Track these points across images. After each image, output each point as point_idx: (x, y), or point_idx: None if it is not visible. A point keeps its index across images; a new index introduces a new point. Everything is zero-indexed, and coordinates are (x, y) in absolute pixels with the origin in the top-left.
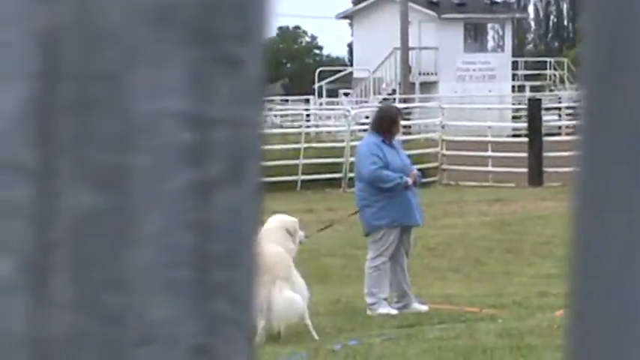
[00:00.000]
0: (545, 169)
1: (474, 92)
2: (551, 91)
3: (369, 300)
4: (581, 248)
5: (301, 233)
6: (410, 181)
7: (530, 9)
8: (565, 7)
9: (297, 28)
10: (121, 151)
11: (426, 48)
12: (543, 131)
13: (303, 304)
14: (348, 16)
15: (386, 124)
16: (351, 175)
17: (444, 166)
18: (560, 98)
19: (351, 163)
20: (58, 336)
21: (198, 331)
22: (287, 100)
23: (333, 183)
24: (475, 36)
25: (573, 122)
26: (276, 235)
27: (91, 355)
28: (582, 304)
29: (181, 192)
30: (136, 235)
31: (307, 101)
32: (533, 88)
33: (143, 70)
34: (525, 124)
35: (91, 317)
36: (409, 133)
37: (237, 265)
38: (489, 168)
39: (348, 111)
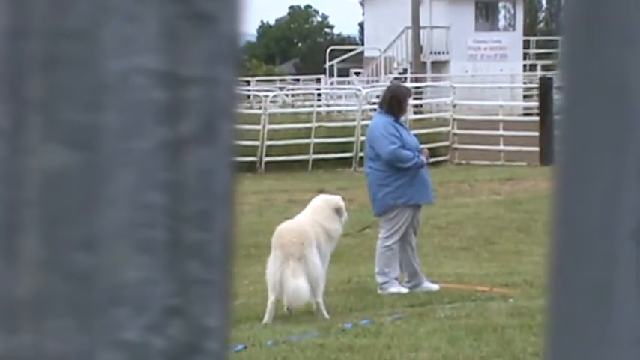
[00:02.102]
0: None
1: (485, 71)
2: None
3: (380, 279)
4: (563, 206)
5: (345, 214)
6: (425, 159)
7: None
8: None
9: (308, 7)
10: (91, 108)
11: (437, 27)
12: (554, 110)
13: (308, 294)
14: None
15: (396, 103)
16: (362, 154)
17: (456, 145)
18: None
19: (362, 143)
20: (27, 295)
21: (171, 292)
22: (298, 80)
23: (345, 162)
24: (486, 15)
25: None
26: (323, 214)
27: (62, 315)
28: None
29: (153, 151)
30: (106, 195)
31: (318, 80)
32: (544, 67)
33: (115, 26)
34: (537, 103)
35: (61, 277)
36: (421, 112)
37: (211, 226)
38: (501, 147)
39: (360, 90)
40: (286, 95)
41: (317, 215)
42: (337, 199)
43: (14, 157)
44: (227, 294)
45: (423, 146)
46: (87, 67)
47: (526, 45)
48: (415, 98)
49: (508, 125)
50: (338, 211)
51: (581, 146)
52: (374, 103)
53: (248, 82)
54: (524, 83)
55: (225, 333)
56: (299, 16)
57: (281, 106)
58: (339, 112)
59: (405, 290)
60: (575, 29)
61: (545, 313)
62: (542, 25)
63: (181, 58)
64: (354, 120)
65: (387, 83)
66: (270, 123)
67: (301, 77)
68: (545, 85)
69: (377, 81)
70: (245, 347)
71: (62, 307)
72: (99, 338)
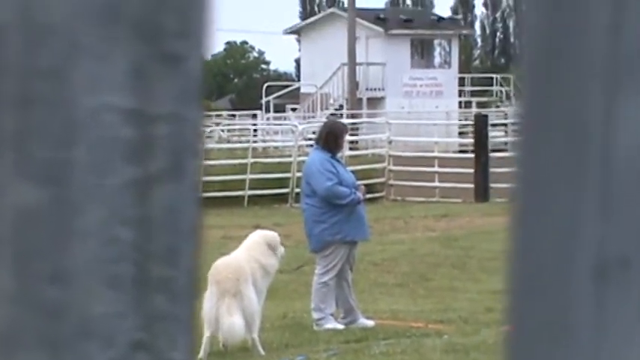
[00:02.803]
0: (492, 185)
1: (421, 108)
2: (497, 107)
3: (315, 315)
4: (520, 243)
5: (282, 249)
6: (361, 196)
7: (477, 25)
8: (511, 24)
9: (244, 43)
10: (62, 145)
11: (373, 64)
12: (490, 147)
13: (243, 331)
14: (295, 31)
15: (333, 139)
16: (298, 190)
17: (391, 182)
18: (506, 114)
19: (299, 179)
20: None
21: (137, 326)
22: (234, 115)
23: (281, 198)
24: (422, 52)
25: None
26: (259, 250)
27: (32, 348)
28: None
29: (122, 187)
30: (76, 230)
31: (255, 116)
32: (479, 104)
33: (85, 65)
34: (472, 140)
35: (31, 311)
36: (356, 149)
37: (177, 262)
38: (436, 183)
39: (296, 126)
40: (222, 131)
41: (253, 251)
42: (273, 235)
43: None
44: (191, 328)
45: (359, 182)
46: (58, 105)
47: (461, 82)
48: (351, 134)
49: (443, 162)
50: (274, 246)
51: (539, 181)
52: (310, 139)
53: None
54: (460, 120)
55: None
56: (235, 51)
57: (217, 142)
58: (276, 147)
59: (340, 326)
60: (534, 64)
61: (503, 344)
62: (477, 62)
63: (149, 96)
64: (290, 156)
65: (324, 119)
66: (206, 159)
67: (237, 113)
68: (480, 122)
69: (313, 117)
70: None
71: (33, 341)
72: None
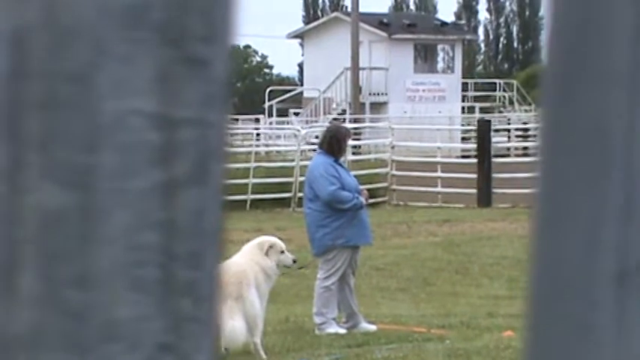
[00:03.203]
0: (494, 190)
1: (424, 113)
2: (500, 112)
3: (317, 320)
4: (542, 248)
5: (288, 255)
6: (364, 200)
7: (480, 31)
8: (515, 29)
9: (247, 47)
10: (88, 149)
11: (376, 68)
12: (492, 152)
13: (245, 335)
14: (298, 35)
15: (336, 143)
16: (301, 194)
17: (394, 187)
18: (509, 120)
19: (301, 183)
20: (23, 330)
21: (163, 329)
22: (237, 120)
23: (283, 202)
24: (425, 57)
25: (522, 144)
26: (259, 254)
27: (56, 350)
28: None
29: (147, 191)
30: (101, 234)
31: (257, 120)
32: (482, 110)
33: (111, 69)
34: (474, 145)
35: (56, 314)
36: (359, 153)
37: (201, 265)
38: (439, 189)
39: (298, 130)
40: None
41: (254, 255)
42: (273, 239)
43: (12, 196)
44: (214, 331)
45: (361, 187)
46: (83, 109)
47: (465, 87)
48: (354, 139)
49: (446, 167)
50: (275, 250)
51: (560, 187)
52: (313, 144)
53: None
54: (463, 125)
55: None
56: (238, 55)
57: None
58: (278, 152)
59: (342, 331)
60: (556, 71)
61: (523, 350)
62: (480, 67)
63: (175, 100)
64: (292, 160)
65: (326, 124)
66: None
67: (240, 117)
68: (483, 128)
69: (316, 121)
70: None
71: (57, 343)
72: None
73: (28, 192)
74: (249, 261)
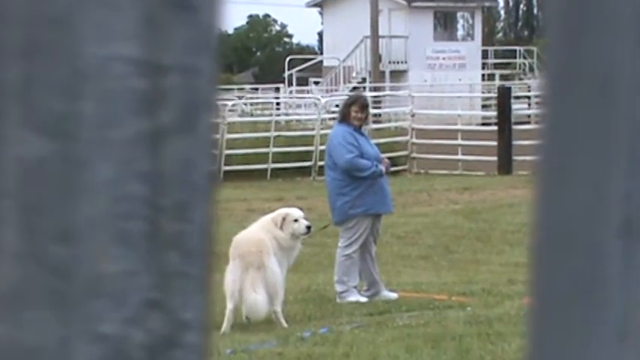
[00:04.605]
0: (515, 158)
1: (444, 81)
2: (520, 79)
3: (338, 288)
4: (547, 203)
5: (302, 222)
6: (383, 168)
7: None
8: None
9: (267, 16)
10: (69, 97)
11: (395, 36)
12: (513, 120)
13: (267, 308)
14: (318, 4)
15: (356, 112)
16: (321, 163)
17: (414, 155)
18: (529, 87)
19: (321, 152)
20: (4, 287)
21: (150, 284)
22: (257, 89)
23: (303, 171)
24: (445, 24)
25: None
26: (272, 224)
27: (39, 307)
28: (545, 276)
29: (132, 141)
30: (84, 185)
31: (277, 90)
32: (502, 77)
33: (93, 13)
34: (495, 113)
35: (38, 270)
36: (379, 122)
37: (190, 218)
38: (459, 156)
39: (318, 99)
40: (245, 104)
41: (270, 227)
42: (286, 210)
43: None
44: (206, 287)
45: (382, 155)
46: (64, 55)
47: (484, 55)
48: (374, 107)
49: (466, 135)
50: (287, 220)
51: (565, 140)
52: (333, 112)
53: None
54: (483, 93)
55: (205, 327)
56: (258, 25)
57: (240, 115)
58: (298, 121)
59: (363, 299)
60: (558, 21)
61: (528, 313)
62: (500, 35)
63: (160, 45)
64: (313, 129)
65: (346, 92)
66: (228, 132)
67: (260, 86)
68: (503, 95)
69: (336, 90)
70: None
71: (39, 299)
72: (77, 331)
73: (7, 142)
74: (266, 232)
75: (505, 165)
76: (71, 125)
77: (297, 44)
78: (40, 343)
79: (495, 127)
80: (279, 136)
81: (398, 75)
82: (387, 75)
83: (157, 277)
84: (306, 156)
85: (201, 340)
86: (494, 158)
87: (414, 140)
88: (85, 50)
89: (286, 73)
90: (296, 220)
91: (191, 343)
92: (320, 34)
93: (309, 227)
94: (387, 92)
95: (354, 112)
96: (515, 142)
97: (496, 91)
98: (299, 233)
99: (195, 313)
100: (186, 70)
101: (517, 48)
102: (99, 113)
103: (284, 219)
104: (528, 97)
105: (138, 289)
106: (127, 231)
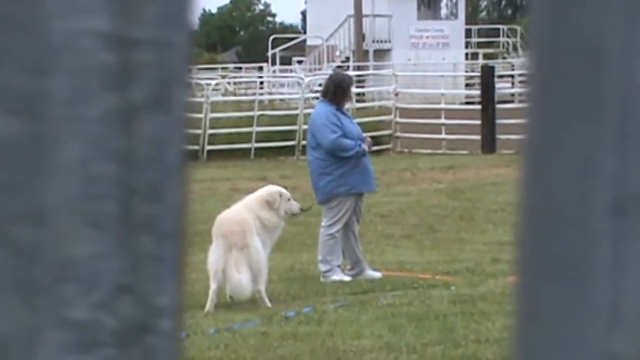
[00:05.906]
0: (498, 137)
1: (428, 60)
2: (504, 58)
3: (322, 267)
4: (534, 180)
5: (294, 204)
6: (367, 148)
7: None
8: None
9: None
10: (37, 73)
11: (379, 15)
12: (496, 98)
13: (250, 289)
14: None
15: (339, 92)
16: (305, 142)
17: (398, 134)
18: (513, 66)
19: (305, 131)
20: None
21: (121, 268)
22: (240, 68)
23: (287, 150)
24: (428, 3)
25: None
26: (257, 203)
27: (5, 292)
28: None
29: (102, 118)
30: (53, 165)
31: (261, 69)
32: (486, 56)
33: None
34: (478, 92)
35: (5, 252)
36: (363, 101)
37: (162, 199)
38: (443, 135)
39: (302, 78)
40: (228, 84)
41: (254, 206)
42: (277, 188)
43: None
44: (180, 271)
45: (365, 135)
46: (31, 29)
47: (468, 34)
48: (357, 87)
49: (450, 114)
50: (272, 201)
51: (554, 115)
52: (316, 92)
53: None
54: (466, 72)
55: (178, 312)
56: (241, 4)
57: (223, 95)
58: (282, 100)
59: (347, 278)
60: None
61: (513, 294)
62: (484, 13)
63: (131, 19)
64: (296, 108)
65: (330, 72)
66: (212, 111)
67: (243, 65)
68: (487, 74)
69: (319, 69)
70: (187, 335)
71: (6, 284)
72: (45, 317)
73: None
74: (250, 212)
75: (488, 144)
76: (39, 102)
77: (281, 23)
78: (8, 330)
79: (479, 106)
80: (262, 115)
81: (381, 54)
82: (371, 54)
83: (129, 260)
84: (289, 135)
85: (175, 327)
86: (478, 137)
87: (398, 119)
88: (52, 24)
89: (269, 53)
90: (289, 200)
91: (164, 330)
92: (303, 13)
93: (302, 209)
94: (371, 71)
95: (348, 95)
96: (498, 121)
97: (479, 70)
98: (291, 212)
99: (168, 297)
100: (158, 45)
101: (501, 27)
102: (67, 90)
103: (281, 196)
104: (512, 76)
105: (109, 273)
106: (97, 212)
